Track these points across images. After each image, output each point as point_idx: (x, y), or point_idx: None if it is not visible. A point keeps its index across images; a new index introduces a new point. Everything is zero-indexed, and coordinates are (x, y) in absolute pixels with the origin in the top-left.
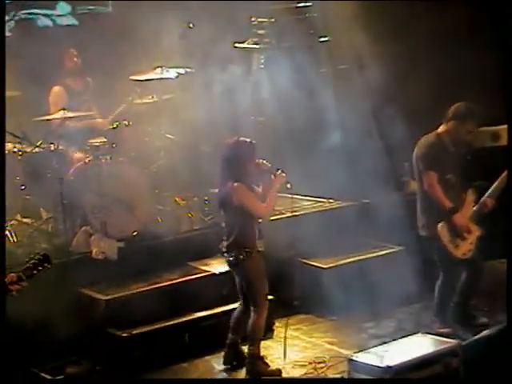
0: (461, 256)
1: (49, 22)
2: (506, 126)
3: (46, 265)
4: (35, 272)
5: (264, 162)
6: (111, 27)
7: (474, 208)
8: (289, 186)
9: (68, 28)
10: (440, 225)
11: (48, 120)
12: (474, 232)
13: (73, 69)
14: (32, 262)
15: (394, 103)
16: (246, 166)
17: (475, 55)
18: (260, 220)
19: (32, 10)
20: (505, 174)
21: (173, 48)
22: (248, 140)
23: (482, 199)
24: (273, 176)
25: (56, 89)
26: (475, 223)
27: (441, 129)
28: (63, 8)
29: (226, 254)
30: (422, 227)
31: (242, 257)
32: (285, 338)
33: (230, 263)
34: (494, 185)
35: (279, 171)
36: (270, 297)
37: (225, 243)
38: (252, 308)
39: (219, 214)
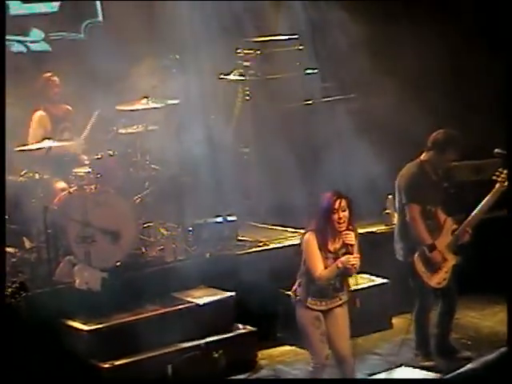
0: (435, 286)
1: (22, 48)
2: (489, 160)
3: (22, 293)
4: (13, 300)
5: (347, 232)
6: (85, 54)
7: (452, 237)
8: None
9: (41, 54)
10: (416, 255)
11: (31, 150)
12: (449, 261)
13: (53, 97)
14: (10, 290)
15: (379, 134)
16: (323, 219)
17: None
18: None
19: (7, 37)
20: (482, 203)
21: (157, 79)
22: (331, 194)
23: (460, 229)
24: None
25: (38, 114)
26: (452, 252)
27: (423, 157)
28: (36, 34)
29: None
30: (398, 252)
31: (293, 302)
32: None
33: None
34: (472, 214)
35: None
36: (251, 328)
37: None
38: None
39: (203, 245)
